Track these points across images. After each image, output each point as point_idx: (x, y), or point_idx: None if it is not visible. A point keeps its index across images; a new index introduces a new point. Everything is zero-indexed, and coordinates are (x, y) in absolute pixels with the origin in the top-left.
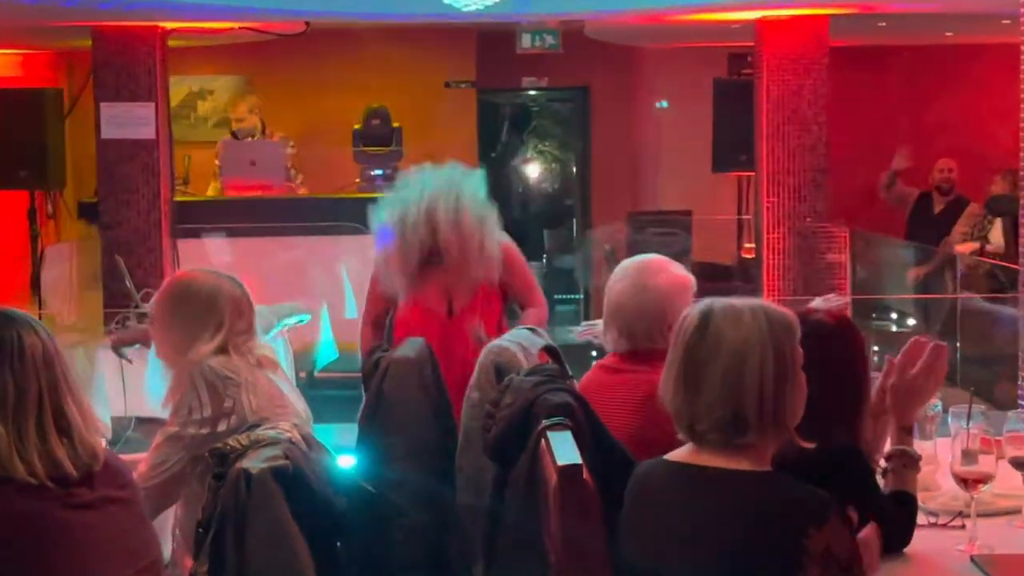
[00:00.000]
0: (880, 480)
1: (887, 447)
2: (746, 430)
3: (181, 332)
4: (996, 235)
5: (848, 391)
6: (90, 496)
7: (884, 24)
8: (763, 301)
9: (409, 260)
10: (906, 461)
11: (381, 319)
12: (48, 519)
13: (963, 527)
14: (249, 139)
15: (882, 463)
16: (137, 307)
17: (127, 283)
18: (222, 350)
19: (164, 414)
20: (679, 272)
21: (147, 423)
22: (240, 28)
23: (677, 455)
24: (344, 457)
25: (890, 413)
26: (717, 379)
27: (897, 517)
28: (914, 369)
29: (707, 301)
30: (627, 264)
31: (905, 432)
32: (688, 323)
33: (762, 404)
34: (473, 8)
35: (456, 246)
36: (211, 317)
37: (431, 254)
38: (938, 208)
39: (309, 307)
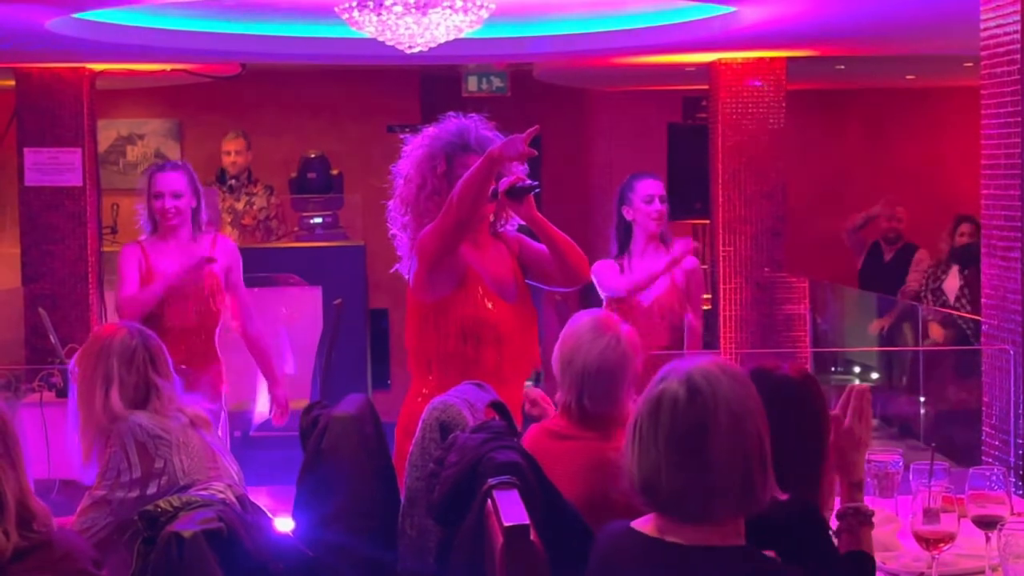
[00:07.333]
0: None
1: (837, 506)
2: (737, 500)
3: (81, 386)
4: (951, 284)
5: (812, 449)
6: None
7: (843, 67)
8: (717, 360)
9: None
10: (860, 519)
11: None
12: None
13: None
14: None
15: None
16: (61, 363)
17: (51, 338)
18: (137, 405)
19: (88, 478)
20: (630, 328)
21: (71, 486)
22: (172, 70)
23: (644, 526)
24: (281, 520)
25: (837, 471)
26: (724, 450)
27: None
28: (846, 420)
29: (682, 367)
30: (583, 319)
31: (856, 488)
32: (673, 392)
33: (765, 473)
34: (417, 50)
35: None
36: (99, 369)
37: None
38: (888, 256)
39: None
